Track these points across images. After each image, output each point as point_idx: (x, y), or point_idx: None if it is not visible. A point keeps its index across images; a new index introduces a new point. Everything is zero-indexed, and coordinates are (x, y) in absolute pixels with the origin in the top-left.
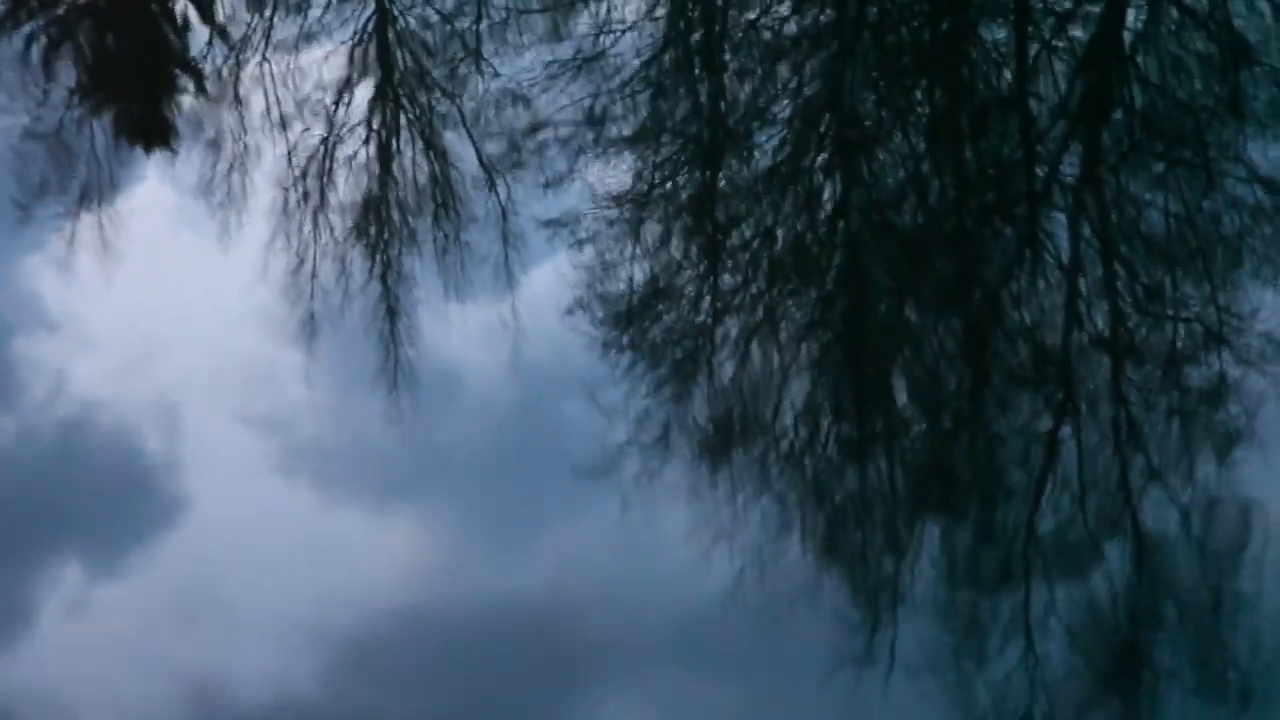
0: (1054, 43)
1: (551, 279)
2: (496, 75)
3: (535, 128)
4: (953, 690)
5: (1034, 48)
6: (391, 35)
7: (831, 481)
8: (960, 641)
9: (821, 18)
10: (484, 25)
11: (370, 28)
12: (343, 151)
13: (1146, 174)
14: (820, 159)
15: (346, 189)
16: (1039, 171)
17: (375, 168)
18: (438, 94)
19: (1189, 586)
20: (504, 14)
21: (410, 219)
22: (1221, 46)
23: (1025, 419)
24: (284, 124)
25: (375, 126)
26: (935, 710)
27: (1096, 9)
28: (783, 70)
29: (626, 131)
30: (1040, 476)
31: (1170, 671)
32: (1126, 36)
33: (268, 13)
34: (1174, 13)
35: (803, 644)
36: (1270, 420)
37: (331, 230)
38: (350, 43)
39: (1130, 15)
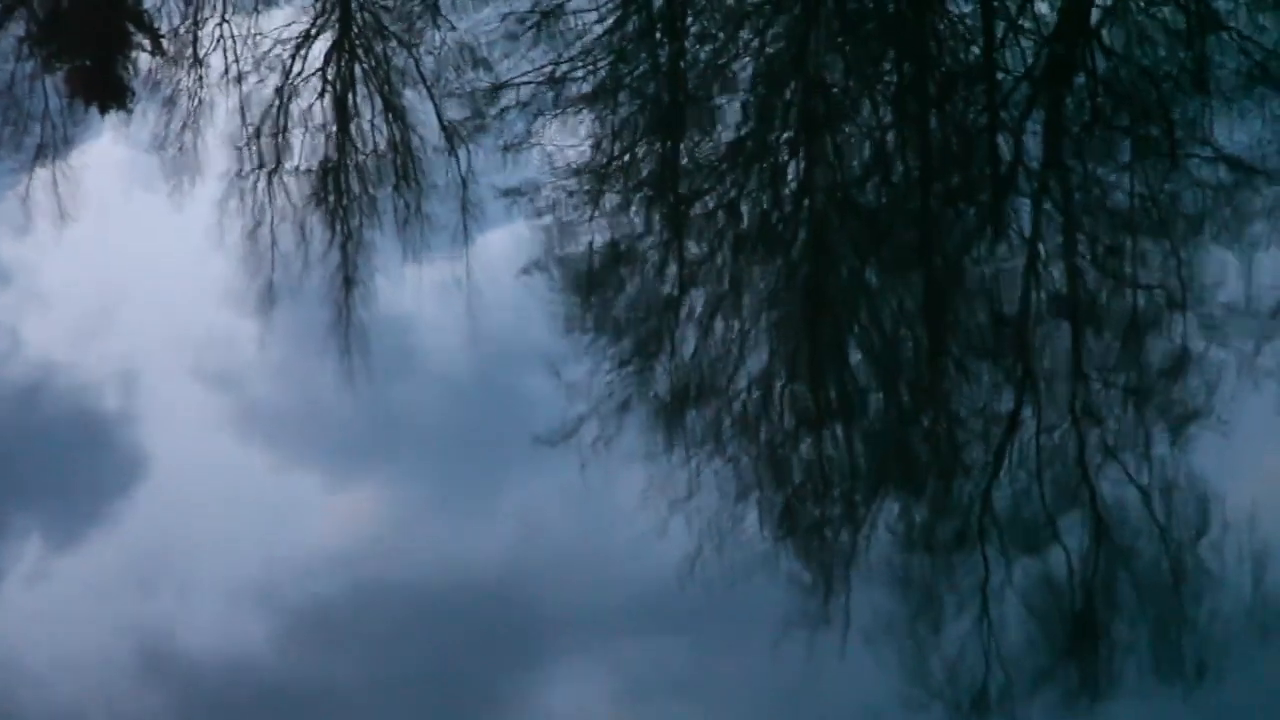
0: (1018, 14)
1: (510, 243)
2: (454, 29)
3: (495, 89)
4: (909, 655)
5: (998, 19)
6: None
7: (790, 450)
8: (916, 607)
9: None
10: None
11: None
12: (300, 112)
13: (1110, 146)
14: (784, 126)
15: (304, 150)
16: (1002, 143)
17: (333, 129)
18: (396, 52)
19: (1146, 558)
20: None
21: (368, 181)
22: (1187, 18)
23: (984, 391)
24: (241, 83)
25: (333, 87)
26: (892, 675)
27: None
28: (748, 34)
29: (588, 94)
30: (999, 448)
31: (1126, 640)
32: (1091, 8)
33: None
34: None
35: (760, 610)
36: (1229, 394)
37: (288, 192)
38: (311, 3)
39: None
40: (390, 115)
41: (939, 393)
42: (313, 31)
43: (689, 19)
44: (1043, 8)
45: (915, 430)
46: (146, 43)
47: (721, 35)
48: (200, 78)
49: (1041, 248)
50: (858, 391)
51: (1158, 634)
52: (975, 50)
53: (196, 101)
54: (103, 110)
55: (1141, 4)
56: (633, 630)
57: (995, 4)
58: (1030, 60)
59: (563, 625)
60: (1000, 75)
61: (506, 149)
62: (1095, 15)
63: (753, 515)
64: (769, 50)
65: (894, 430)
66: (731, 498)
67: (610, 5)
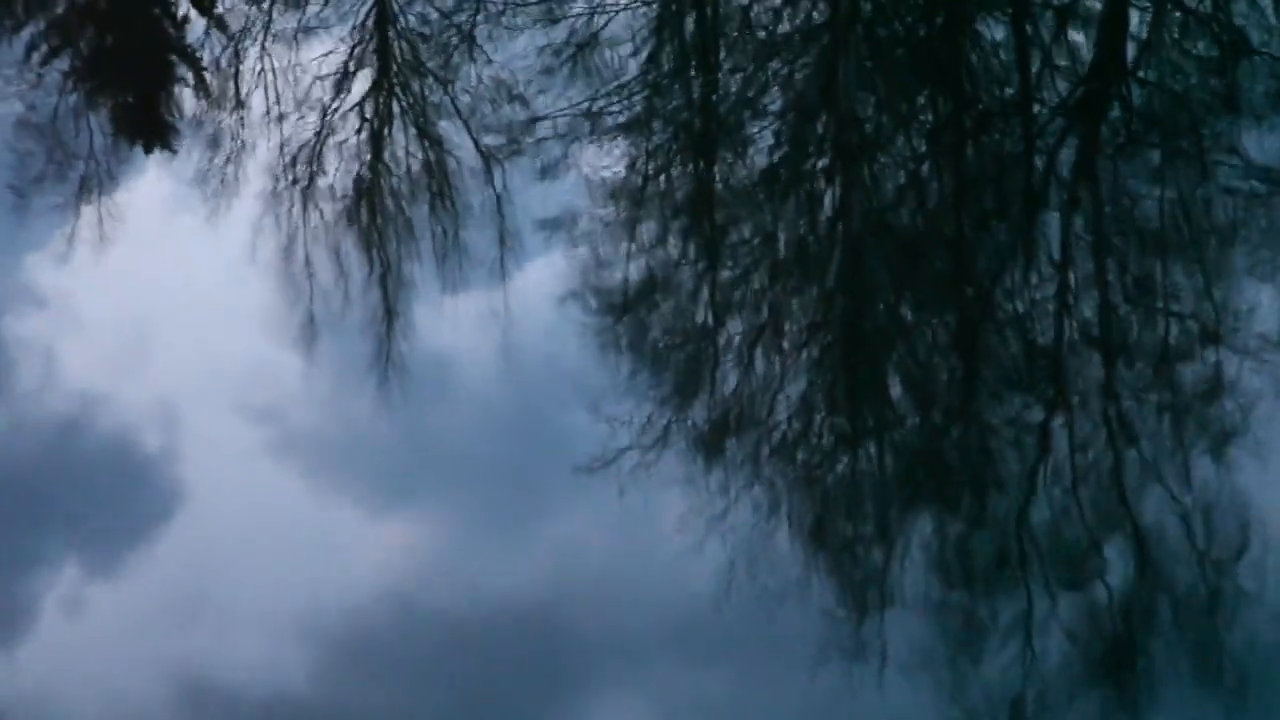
0: (1050, 40)
1: (547, 271)
2: (490, 63)
3: (532, 119)
4: (945, 683)
5: (1030, 45)
6: (389, 28)
7: (827, 477)
8: (952, 636)
9: (818, 13)
10: (480, 16)
11: (368, 20)
12: (340, 143)
13: (1142, 170)
14: (817, 154)
15: (344, 181)
16: (1035, 168)
17: (372, 160)
18: (434, 85)
19: (1183, 582)
20: (500, 6)
21: (407, 212)
22: (1218, 42)
23: (1021, 417)
24: (281, 116)
25: (372, 119)
26: (928, 703)
27: (1095, 6)
28: (780, 65)
29: (623, 123)
30: (1035, 474)
31: (1163, 666)
32: (1124, 32)
33: (266, 5)
34: (1172, 10)
35: (797, 639)
36: (1266, 417)
37: (328, 223)
38: (348, 35)
39: (1128, 12)
40: (428, 146)
41: (976, 421)
42: (351, 66)
43: (721, 52)
44: (1076, 37)
45: (952, 458)
46: (189, 77)
47: (753, 67)
48: (240, 112)
49: (1078, 274)
50: (894, 420)
51: (1197, 660)
52: (1009, 78)
53: (237, 135)
54: (146, 147)
55: (1175, 36)
56: (671, 657)
57: (1028, 32)
58: (1063, 88)
59: (602, 652)
60: (1033, 104)
61: (544, 179)
62: (1130, 45)
63: (789, 543)
64: (801, 81)
65: (931, 458)
66: (768, 525)
67: (643, 39)
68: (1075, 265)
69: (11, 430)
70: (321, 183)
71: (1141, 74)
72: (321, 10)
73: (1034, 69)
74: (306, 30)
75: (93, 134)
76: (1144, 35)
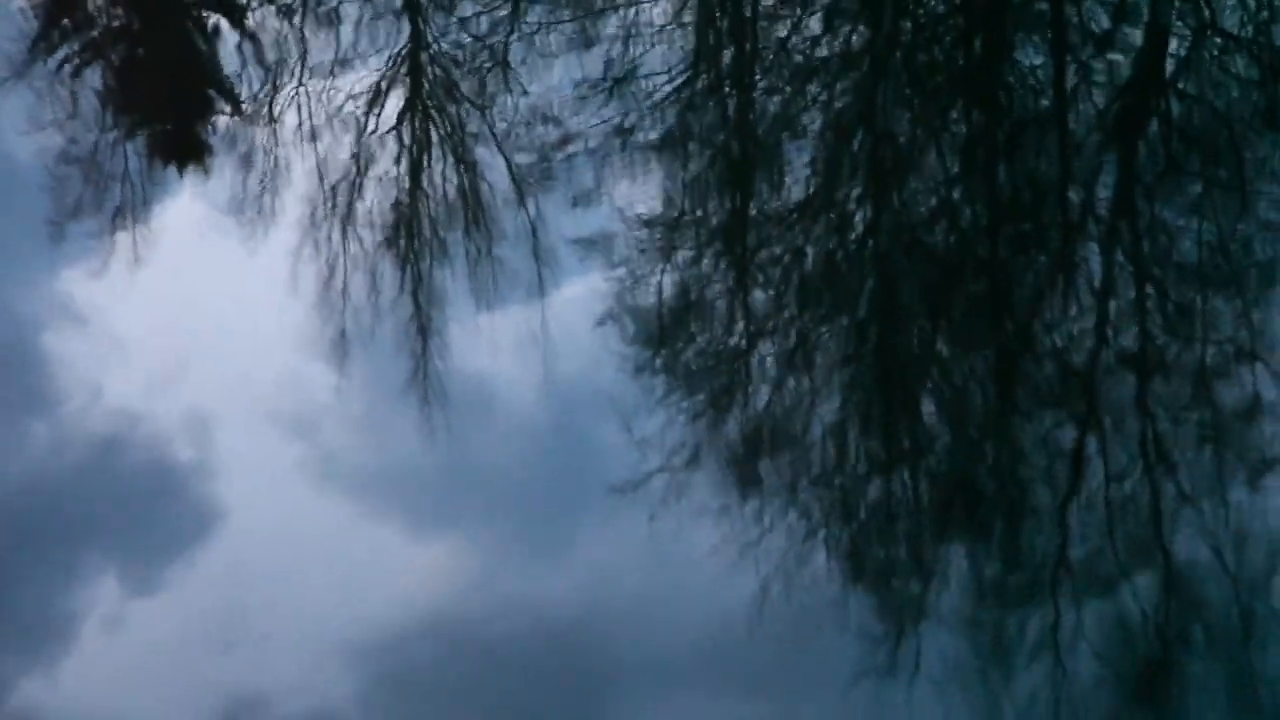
0: (1089, 62)
1: (582, 295)
2: (526, 93)
3: (566, 145)
4: (978, 708)
5: (1068, 68)
6: (424, 55)
7: (859, 500)
8: (985, 659)
9: (854, 36)
10: (515, 45)
11: (403, 48)
12: (375, 169)
13: (1181, 194)
14: (852, 179)
15: (379, 206)
16: (1071, 193)
17: (407, 185)
18: (469, 111)
19: (1217, 607)
20: (535, 32)
21: (442, 235)
22: (1259, 65)
23: (1054, 440)
24: (316, 142)
25: (407, 146)
26: None
27: (1133, 31)
28: (814, 89)
29: (657, 149)
30: (1067, 497)
31: (1196, 691)
32: (1163, 55)
33: (301, 33)
34: (1210, 32)
35: (829, 661)
36: None
37: (364, 247)
38: (383, 63)
39: (1167, 36)
40: (462, 168)
41: (1010, 445)
42: (384, 88)
43: (756, 74)
44: (1115, 56)
45: (985, 481)
46: (223, 101)
47: (789, 89)
48: (273, 133)
49: (1114, 298)
50: (929, 444)
51: (1234, 688)
52: (1047, 100)
53: (270, 156)
54: (180, 168)
55: (1214, 54)
56: (707, 680)
57: (1065, 54)
58: (1101, 110)
59: (638, 674)
60: (1071, 126)
61: (577, 201)
62: (1169, 65)
63: (823, 566)
64: (837, 104)
65: (964, 481)
66: (801, 547)
67: (679, 62)
68: (1113, 290)
69: (51, 450)
70: (358, 209)
71: (1182, 91)
72: (356, 38)
73: (1071, 91)
74: (343, 61)
75: (126, 155)
76: (1184, 55)
